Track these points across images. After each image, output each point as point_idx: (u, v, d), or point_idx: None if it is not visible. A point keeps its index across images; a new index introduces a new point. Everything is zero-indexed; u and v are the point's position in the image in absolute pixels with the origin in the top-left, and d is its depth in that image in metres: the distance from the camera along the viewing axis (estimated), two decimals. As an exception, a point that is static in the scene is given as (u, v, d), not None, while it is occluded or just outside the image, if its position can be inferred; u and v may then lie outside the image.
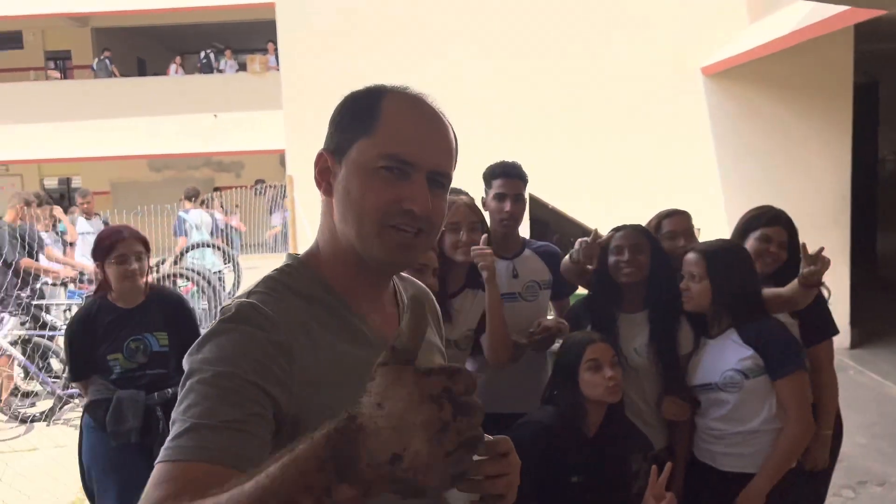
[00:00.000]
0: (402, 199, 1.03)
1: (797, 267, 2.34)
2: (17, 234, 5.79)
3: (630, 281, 2.48)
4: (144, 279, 2.96)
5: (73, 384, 3.49)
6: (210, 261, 8.11)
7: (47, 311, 5.86)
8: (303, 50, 7.36)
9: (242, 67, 17.45)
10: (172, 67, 18.08)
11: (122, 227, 3.01)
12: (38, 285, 5.83)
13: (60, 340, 5.34)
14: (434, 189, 1.06)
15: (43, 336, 5.46)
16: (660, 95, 7.09)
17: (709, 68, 7.01)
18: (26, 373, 5.57)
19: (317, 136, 1.18)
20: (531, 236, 3.79)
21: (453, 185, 2.90)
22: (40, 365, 5.38)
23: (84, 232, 7.63)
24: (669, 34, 7.11)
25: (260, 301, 1.01)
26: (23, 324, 5.67)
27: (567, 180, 6.37)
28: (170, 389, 2.84)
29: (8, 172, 18.43)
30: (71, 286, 6.37)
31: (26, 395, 5.74)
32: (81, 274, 6.38)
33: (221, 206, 11.04)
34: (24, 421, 5.49)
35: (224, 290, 7.75)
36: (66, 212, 8.35)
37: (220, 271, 8.13)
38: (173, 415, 0.94)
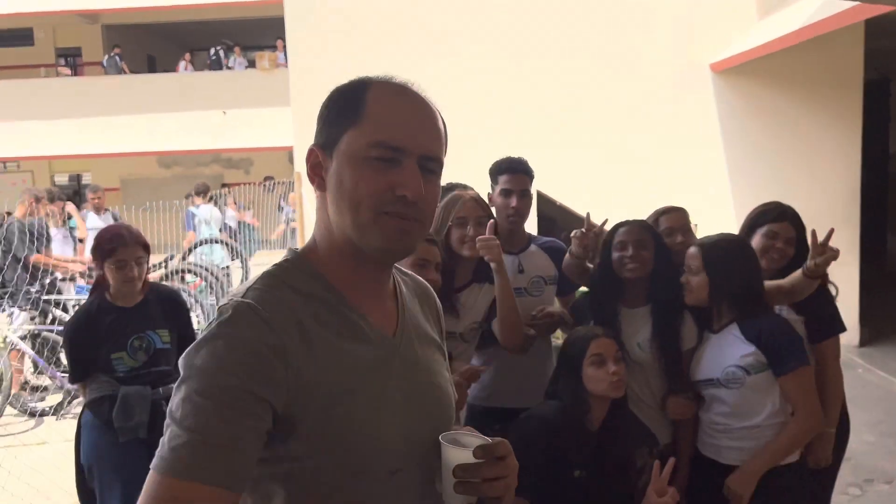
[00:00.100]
0: (394, 185, 1.03)
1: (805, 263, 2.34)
2: (27, 230, 5.84)
3: (634, 276, 2.48)
4: (143, 280, 2.94)
5: (74, 385, 3.44)
6: (219, 256, 8.16)
7: (57, 305, 5.91)
8: (311, 47, 7.37)
9: (251, 64, 17.46)
10: (182, 64, 18.13)
11: (123, 230, 2.96)
12: (47, 280, 5.87)
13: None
14: (426, 175, 1.06)
15: (52, 331, 5.50)
16: (668, 92, 7.07)
17: (717, 65, 6.98)
18: (36, 367, 5.61)
19: (324, 134, 1.18)
20: (538, 233, 3.79)
21: (457, 181, 2.87)
22: (50, 359, 5.42)
23: (94, 227, 7.67)
24: (678, 30, 7.08)
25: (257, 300, 1.01)
26: (32, 319, 5.72)
27: (573, 178, 6.35)
28: (174, 385, 2.83)
29: (19, 169, 18.56)
30: (80, 281, 6.41)
31: (35, 389, 5.78)
32: (90, 269, 6.42)
33: (234, 203, 11.08)
34: (33, 415, 5.54)
35: (231, 285, 7.79)
36: (78, 208, 8.41)
37: (227, 267, 8.17)
38: (168, 415, 0.96)
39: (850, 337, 6.56)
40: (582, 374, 2.17)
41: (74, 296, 6.15)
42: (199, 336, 0.99)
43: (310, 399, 0.99)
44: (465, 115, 6.60)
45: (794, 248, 2.63)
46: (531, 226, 3.02)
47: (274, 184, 12.60)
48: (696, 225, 3.09)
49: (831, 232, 2.32)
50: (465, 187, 2.76)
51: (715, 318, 2.43)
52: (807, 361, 2.33)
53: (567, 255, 2.68)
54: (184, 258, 7.80)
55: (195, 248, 8.04)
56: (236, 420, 0.94)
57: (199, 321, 6.55)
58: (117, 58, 17.54)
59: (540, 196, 4.21)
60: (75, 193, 16.59)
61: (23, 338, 5.47)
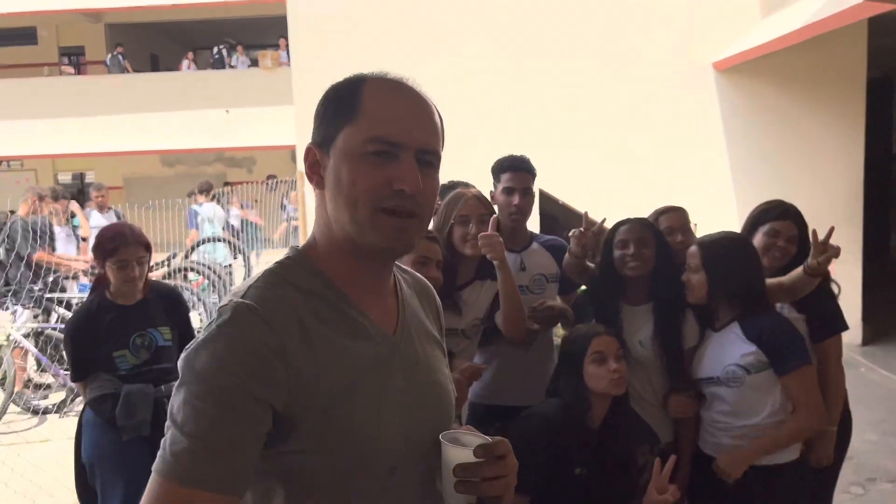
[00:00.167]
0: (391, 179, 1.03)
1: None
2: (31, 228, 5.85)
3: (635, 275, 2.48)
4: (144, 279, 2.92)
5: (74, 384, 3.42)
6: (222, 255, 8.17)
7: (60, 303, 5.92)
8: (313, 46, 7.37)
9: (254, 63, 17.47)
10: (185, 63, 18.14)
11: (125, 229, 2.92)
12: (50, 278, 5.88)
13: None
14: (423, 168, 1.06)
15: (55, 328, 5.51)
16: (670, 91, 7.06)
17: (720, 63, 6.97)
18: (39, 365, 5.63)
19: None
20: (541, 232, 3.80)
21: (458, 180, 2.87)
22: (53, 357, 5.43)
23: (97, 226, 7.67)
24: (681, 29, 7.07)
25: (257, 299, 1.00)
26: (35, 317, 5.73)
27: (574, 178, 6.35)
28: (175, 383, 2.82)
29: (22, 168, 18.60)
30: (83, 279, 6.42)
31: (39, 386, 5.80)
32: (93, 267, 6.43)
33: (239, 202, 11.08)
34: (36, 412, 5.56)
35: (233, 283, 7.80)
36: (81, 207, 8.42)
37: (229, 265, 8.18)
38: (169, 417, 0.96)
39: (852, 336, 6.57)
40: (583, 372, 2.17)
41: (77, 294, 6.16)
42: (199, 337, 0.99)
43: (310, 398, 0.99)
44: (466, 115, 6.61)
45: (796, 247, 2.62)
46: (533, 224, 3.02)
47: (276, 182, 12.61)
48: (695, 224, 3.10)
49: (832, 230, 2.32)
50: (467, 185, 2.77)
51: (716, 316, 2.43)
52: (808, 360, 2.33)
53: (566, 254, 2.69)
54: (186, 256, 7.80)
55: (198, 246, 8.05)
56: (236, 424, 0.94)
57: (201, 319, 6.57)
58: (120, 57, 17.56)
59: (542, 194, 4.22)
60: (79, 192, 16.61)
61: (26, 336, 5.48)
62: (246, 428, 0.95)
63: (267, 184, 12.23)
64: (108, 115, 15.85)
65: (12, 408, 5.45)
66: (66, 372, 5.51)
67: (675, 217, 2.93)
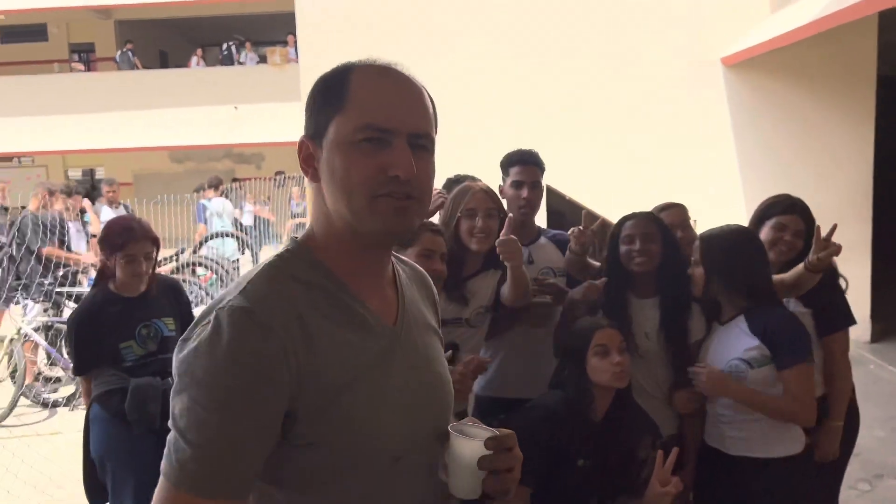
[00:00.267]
0: (385, 166, 1.02)
1: None
2: (41, 222, 5.89)
3: (642, 270, 2.48)
4: (151, 273, 2.92)
5: (78, 378, 3.39)
6: (230, 250, 8.20)
7: (70, 297, 5.96)
8: (321, 42, 7.38)
9: (263, 60, 17.51)
10: (194, 60, 18.21)
11: (133, 223, 2.90)
12: (60, 273, 5.92)
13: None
14: (417, 152, 1.05)
15: (65, 322, 5.55)
16: (679, 86, 7.03)
17: (729, 58, 6.93)
18: (49, 358, 5.67)
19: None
20: (548, 228, 3.80)
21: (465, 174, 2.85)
22: (63, 350, 5.47)
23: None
24: (690, 24, 7.04)
25: (255, 299, 0.99)
26: (46, 311, 5.78)
27: (580, 176, 6.33)
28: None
29: (33, 164, 18.71)
30: (93, 274, 6.45)
31: (49, 380, 5.84)
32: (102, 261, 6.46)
33: (253, 197, 11.12)
34: (46, 405, 5.60)
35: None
36: (92, 203, 8.47)
37: (237, 260, 8.21)
38: (172, 421, 0.96)
39: (861, 333, 6.53)
40: (586, 365, 2.18)
41: (87, 289, 6.20)
42: (195, 336, 0.97)
43: (312, 391, 0.99)
44: (467, 115, 6.61)
45: (802, 241, 2.60)
46: (541, 220, 3.03)
47: (285, 178, 12.64)
48: (695, 220, 3.09)
49: (834, 227, 2.30)
50: (474, 179, 2.78)
51: (723, 309, 2.42)
52: (808, 359, 2.28)
53: (567, 251, 2.69)
54: (195, 251, 7.83)
55: (207, 241, 8.08)
56: (239, 429, 0.94)
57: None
58: (130, 53, 17.63)
59: (549, 190, 4.21)
60: (93, 188, 16.68)
61: (36, 329, 5.52)
62: (249, 432, 0.95)
63: (275, 180, 12.26)
64: (117, 112, 15.94)
65: (23, 401, 5.50)
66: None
67: (675, 213, 2.93)
